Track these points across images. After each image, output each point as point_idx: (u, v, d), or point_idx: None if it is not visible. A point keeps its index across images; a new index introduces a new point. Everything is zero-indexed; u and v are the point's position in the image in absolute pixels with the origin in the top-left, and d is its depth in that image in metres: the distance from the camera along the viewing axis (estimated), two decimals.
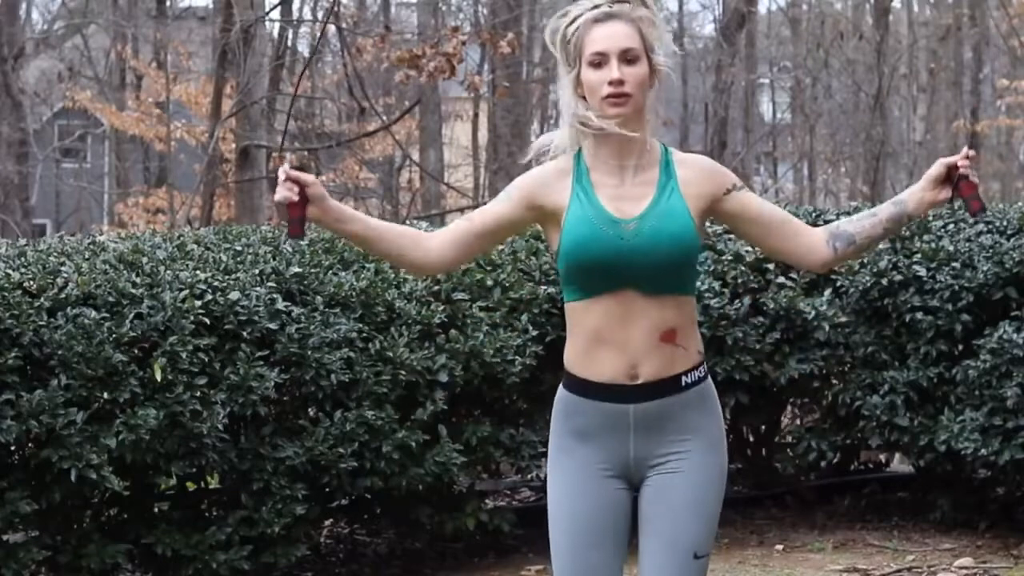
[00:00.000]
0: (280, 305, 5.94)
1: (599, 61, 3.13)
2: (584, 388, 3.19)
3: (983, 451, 6.50)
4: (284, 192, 3.06)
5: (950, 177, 3.14)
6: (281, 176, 3.07)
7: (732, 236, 7.15)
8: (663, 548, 3.18)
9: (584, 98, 3.18)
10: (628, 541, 3.25)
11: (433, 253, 3.23)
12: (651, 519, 3.19)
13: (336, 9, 16.78)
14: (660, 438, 3.18)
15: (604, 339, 3.15)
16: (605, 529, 3.19)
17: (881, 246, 7.00)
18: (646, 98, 3.17)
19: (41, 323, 5.40)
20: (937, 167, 3.15)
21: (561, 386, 3.26)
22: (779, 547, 6.88)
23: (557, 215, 3.19)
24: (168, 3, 25.65)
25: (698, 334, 3.25)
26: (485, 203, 3.32)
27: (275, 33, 20.38)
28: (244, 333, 5.79)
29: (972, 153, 3.13)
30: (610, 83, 3.11)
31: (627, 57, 3.13)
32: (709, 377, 3.26)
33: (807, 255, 3.27)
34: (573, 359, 3.22)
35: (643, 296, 3.13)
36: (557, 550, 3.23)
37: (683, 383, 3.18)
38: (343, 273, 6.28)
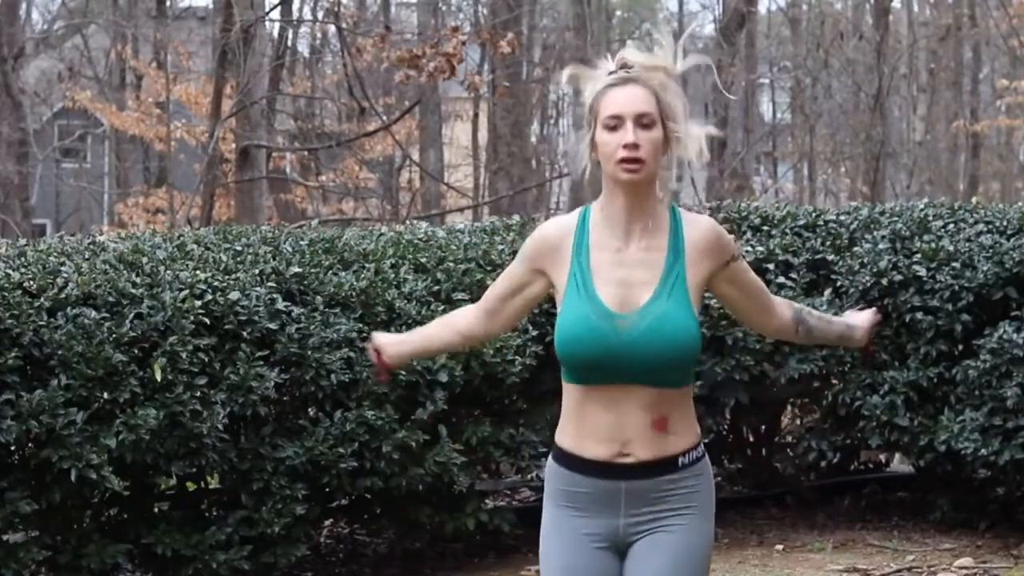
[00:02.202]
0: (280, 305, 5.94)
1: (615, 124, 3.09)
2: (574, 463, 3.16)
3: (983, 451, 6.50)
4: (376, 364, 3.54)
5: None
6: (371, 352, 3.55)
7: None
8: None
9: (598, 162, 3.15)
10: None
11: (467, 332, 3.46)
12: None
13: (336, 9, 16.79)
14: (650, 511, 3.15)
15: (594, 419, 3.12)
16: None
17: (881, 245, 7.00)
18: (659, 165, 3.12)
19: (41, 323, 5.40)
20: (869, 323, 3.52)
21: (551, 457, 3.24)
22: (779, 547, 6.88)
23: (557, 290, 3.18)
24: (168, 3, 25.64)
25: (694, 420, 3.20)
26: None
27: (275, 33, 20.38)
28: (244, 333, 5.79)
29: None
30: (624, 146, 3.07)
31: (643, 122, 3.08)
32: (707, 455, 3.22)
33: (773, 330, 3.39)
34: (563, 434, 3.19)
35: (638, 387, 3.09)
36: None
37: (680, 464, 3.15)
38: (343, 273, 6.28)
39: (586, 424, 3.13)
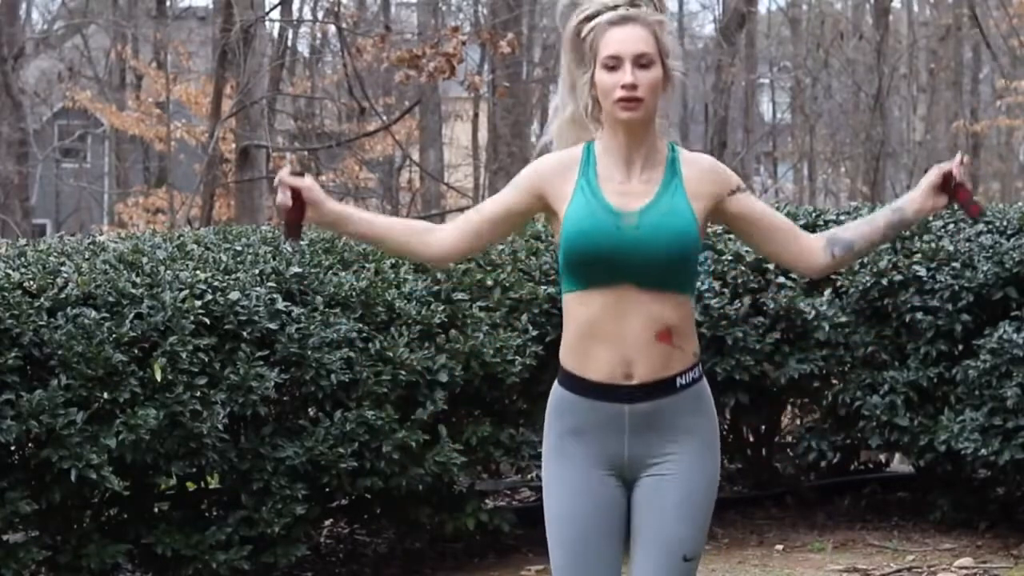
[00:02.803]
0: (280, 305, 5.94)
1: (613, 64, 3.14)
2: (579, 386, 3.19)
3: (983, 451, 6.50)
4: (280, 197, 3.13)
5: (947, 184, 3.18)
6: (277, 181, 3.13)
7: (732, 236, 7.15)
8: (654, 550, 3.18)
9: (597, 99, 3.20)
10: (624, 537, 3.26)
11: (441, 244, 3.27)
12: (642, 520, 3.20)
13: (336, 9, 16.78)
14: (654, 438, 3.18)
15: (598, 333, 3.15)
16: (602, 527, 3.20)
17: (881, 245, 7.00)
18: (658, 102, 3.19)
19: (41, 323, 5.40)
20: (935, 175, 3.18)
21: (556, 382, 3.26)
22: (779, 547, 6.88)
23: (559, 207, 3.20)
24: (168, 3, 25.64)
25: (695, 335, 3.24)
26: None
27: (275, 33, 20.38)
28: (244, 333, 5.79)
29: (967, 158, 3.16)
30: (623, 87, 3.12)
31: (641, 62, 3.14)
32: (704, 378, 3.26)
33: (806, 260, 3.28)
34: (567, 353, 3.22)
35: (640, 291, 3.13)
36: (556, 549, 3.22)
37: (678, 384, 3.18)
38: (343, 273, 6.28)
39: (589, 336, 3.16)
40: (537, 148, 3.39)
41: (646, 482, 3.19)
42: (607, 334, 3.14)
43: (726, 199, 3.22)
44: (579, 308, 3.17)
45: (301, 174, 3.10)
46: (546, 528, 3.26)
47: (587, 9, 3.21)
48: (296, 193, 3.11)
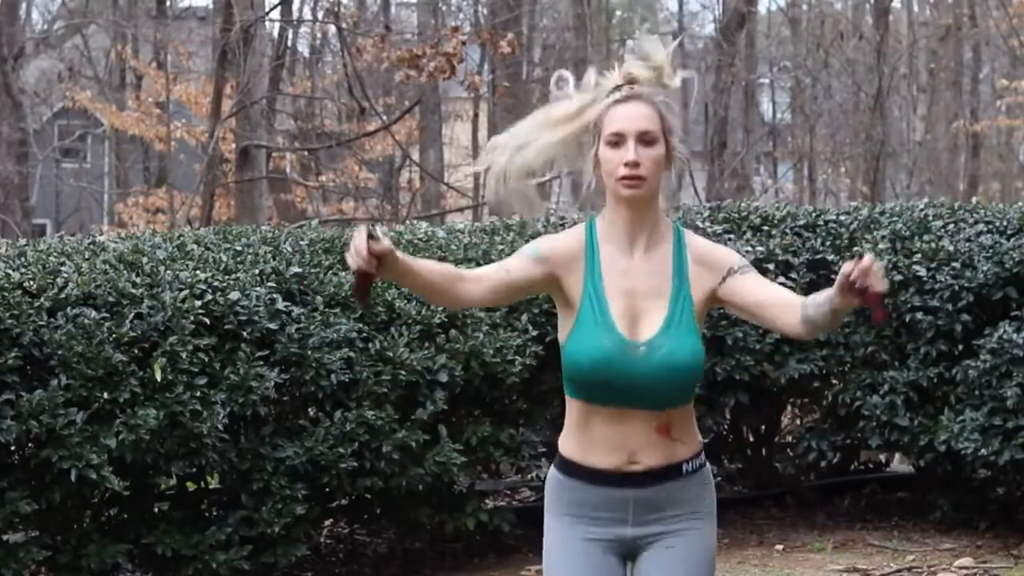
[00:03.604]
0: (280, 305, 5.94)
1: (617, 141, 3.12)
2: (580, 473, 3.19)
3: (983, 451, 6.50)
4: (361, 263, 2.92)
5: (852, 285, 2.88)
6: (361, 248, 2.92)
7: (732, 236, 7.16)
8: None
9: (600, 175, 3.18)
10: None
11: (471, 296, 3.23)
12: None
13: (336, 9, 16.79)
14: (657, 518, 3.19)
15: (600, 435, 3.15)
16: None
17: (881, 245, 7.00)
18: (661, 180, 3.16)
19: (41, 323, 5.41)
20: (840, 278, 2.91)
21: (554, 467, 3.26)
22: (779, 547, 6.88)
23: (570, 303, 3.18)
24: (168, 3, 25.63)
25: (696, 427, 3.25)
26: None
27: (275, 33, 20.37)
28: (244, 333, 5.79)
29: (866, 262, 2.86)
30: (626, 164, 3.10)
31: (645, 139, 3.12)
32: (707, 463, 3.27)
33: (785, 330, 3.19)
34: (567, 442, 3.21)
35: (642, 408, 3.13)
36: None
37: (684, 471, 3.19)
38: (343, 273, 6.28)
39: (592, 435, 3.16)
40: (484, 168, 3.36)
41: (649, 555, 3.20)
42: (609, 437, 3.14)
43: (717, 286, 3.18)
44: (579, 412, 3.17)
45: (376, 237, 2.91)
46: None
47: (592, 89, 3.19)
48: (377, 258, 2.94)
